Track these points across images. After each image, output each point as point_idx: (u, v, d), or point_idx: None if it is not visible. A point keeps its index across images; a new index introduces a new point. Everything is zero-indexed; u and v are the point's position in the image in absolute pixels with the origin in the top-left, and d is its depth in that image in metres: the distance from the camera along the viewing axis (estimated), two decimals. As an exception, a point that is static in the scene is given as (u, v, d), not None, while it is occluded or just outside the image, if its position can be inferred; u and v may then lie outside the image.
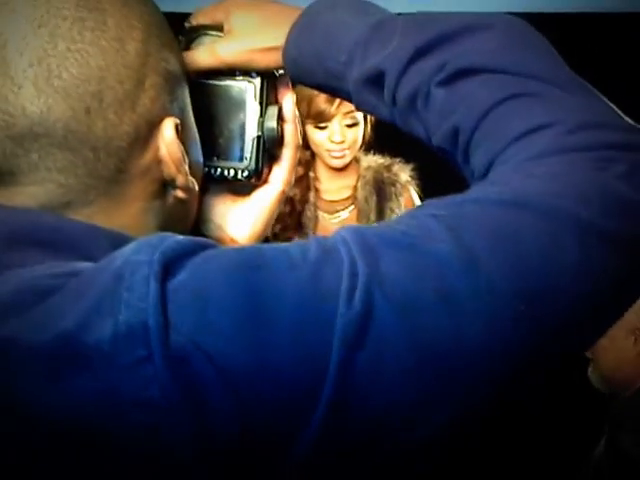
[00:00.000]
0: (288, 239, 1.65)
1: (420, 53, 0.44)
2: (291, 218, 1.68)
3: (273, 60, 0.52)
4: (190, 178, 0.48)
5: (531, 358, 0.34)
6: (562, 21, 2.39)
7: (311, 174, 1.74)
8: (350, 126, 1.66)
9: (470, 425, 0.34)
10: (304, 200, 1.71)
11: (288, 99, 0.56)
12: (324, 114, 1.62)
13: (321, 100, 1.61)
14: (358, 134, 1.68)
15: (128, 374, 0.31)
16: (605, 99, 0.40)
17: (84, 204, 0.43)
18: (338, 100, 1.58)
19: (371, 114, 0.51)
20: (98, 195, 0.43)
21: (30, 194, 0.42)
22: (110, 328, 0.31)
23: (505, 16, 0.45)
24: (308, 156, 1.72)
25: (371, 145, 1.76)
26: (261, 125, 0.54)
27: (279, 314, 0.32)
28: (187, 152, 0.48)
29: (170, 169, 0.46)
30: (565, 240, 0.33)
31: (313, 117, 1.63)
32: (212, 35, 0.55)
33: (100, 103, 0.42)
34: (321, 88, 0.54)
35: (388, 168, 1.74)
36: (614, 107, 0.40)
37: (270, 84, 0.55)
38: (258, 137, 0.54)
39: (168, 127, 0.45)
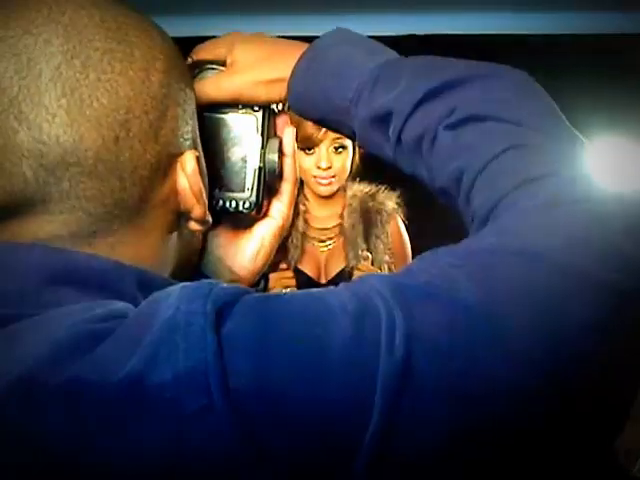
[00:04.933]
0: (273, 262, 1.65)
1: (430, 96, 0.47)
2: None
3: (276, 92, 0.56)
4: (206, 210, 0.50)
5: (551, 407, 0.35)
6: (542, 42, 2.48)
7: (301, 207, 1.77)
8: (338, 152, 1.68)
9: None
10: (291, 225, 1.72)
11: (288, 133, 0.59)
12: (311, 139, 1.64)
13: (309, 125, 1.62)
14: (346, 161, 1.70)
15: (191, 422, 0.32)
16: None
17: (108, 233, 0.45)
18: None
19: (373, 153, 0.53)
20: (121, 225, 0.45)
21: (61, 222, 0.43)
22: (170, 376, 0.33)
23: (510, 68, 0.48)
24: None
25: (357, 174, 1.79)
26: (263, 157, 0.56)
27: (327, 361, 0.34)
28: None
29: (189, 201, 0.49)
30: (575, 293, 0.36)
31: (301, 141, 1.64)
32: (214, 69, 0.57)
33: (127, 132, 0.44)
34: (322, 122, 0.57)
35: (373, 197, 1.77)
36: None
37: (271, 117, 0.58)
38: (259, 168, 0.56)
39: (190, 159, 0.48)
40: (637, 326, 0.37)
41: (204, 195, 0.50)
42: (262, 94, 0.56)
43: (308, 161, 1.68)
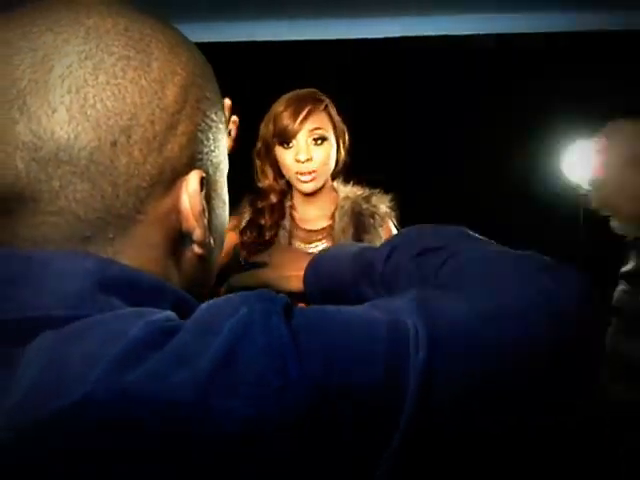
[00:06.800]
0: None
1: (392, 251, 0.66)
2: (256, 246, 1.62)
3: (294, 284, 0.81)
4: (208, 233, 0.51)
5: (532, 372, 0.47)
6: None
7: (287, 202, 1.70)
8: (318, 144, 1.58)
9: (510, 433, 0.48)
10: (274, 227, 1.66)
11: None
12: (288, 130, 1.56)
13: (285, 115, 1.56)
14: (329, 154, 1.60)
15: (272, 396, 0.38)
16: None
17: (105, 241, 0.45)
18: (303, 114, 1.56)
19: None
20: (117, 233, 0.46)
21: (53, 225, 0.44)
22: (254, 360, 0.39)
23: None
24: (283, 185, 1.68)
25: (348, 175, 1.72)
26: None
27: (374, 353, 0.42)
28: (211, 210, 0.52)
29: (189, 222, 0.49)
30: (536, 314, 0.48)
31: (278, 134, 1.58)
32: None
33: (128, 139, 0.44)
34: (328, 296, 0.77)
35: (367, 199, 1.68)
36: None
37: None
38: None
39: (193, 179, 0.48)
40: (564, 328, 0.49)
41: (204, 218, 0.50)
42: (285, 284, 0.83)
43: (288, 156, 1.59)
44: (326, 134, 1.59)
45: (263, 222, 1.66)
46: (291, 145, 1.58)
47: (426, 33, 2.56)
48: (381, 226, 1.66)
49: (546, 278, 0.51)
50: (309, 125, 1.57)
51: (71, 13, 0.45)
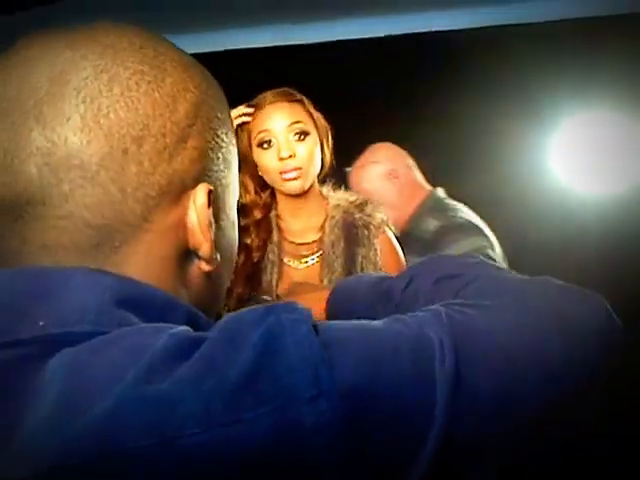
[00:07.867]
0: (241, 295, 1.46)
1: (411, 280, 0.68)
2: (244, 269, 1.48)
3: (322, 306, 0.86)
4: (215, 250, 0.51)
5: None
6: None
7: (273, 212, 1.55)
8: (300, 139, 1.45)
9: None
10: (262, 246, 1.51)
11: None
12: (266, 128, 1.44)
13: (260, 115, 1.45)
14: (313, 151, 1.46)
15: (303, 406, 0.38)
16: None
17: (111, 249, 0.46)
18: (280, 110, 1.45)
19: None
20: (123, 241, 0.46)
21: (61, 229, 0.45)
22: (284, 369, 0.39)
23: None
24: (267, 197, 1.53)
25: (329, 176, 1.58)
26: None
27: (401, 366, 0.43)
28: (219, 228, 0.53)
29: (195, 236, 0.50)
30: (553, 336, 0.51)
31: (256, 136, 1.45)
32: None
33: (139, 148, 0.45)
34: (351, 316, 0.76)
35: (360, 207, 1.52)
36: None
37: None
38: None
39: (201, 192, 0.50)
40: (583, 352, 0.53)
41: (211, 232, 0.51)
42: (315, 307, 0.83)
43: (269, 157, 1.45)
44: (307, 129, 1.46)
45: (249, 241, 1.51)
46: (272, 144, 1.45)
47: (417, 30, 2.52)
48: (377, 237, 1.51)
49: (567, 300, 0.55)
50: (288, 119, 1.44)
51: (89, 31, 0.48)
